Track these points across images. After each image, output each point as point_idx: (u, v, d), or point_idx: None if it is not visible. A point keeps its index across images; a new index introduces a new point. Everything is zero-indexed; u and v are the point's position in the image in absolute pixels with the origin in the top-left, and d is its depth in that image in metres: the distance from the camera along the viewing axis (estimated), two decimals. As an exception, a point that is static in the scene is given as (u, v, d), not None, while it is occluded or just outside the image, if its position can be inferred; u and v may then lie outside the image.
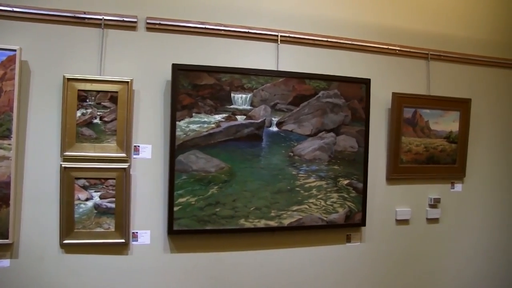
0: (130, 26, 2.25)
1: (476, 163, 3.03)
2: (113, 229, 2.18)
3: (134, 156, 2.25)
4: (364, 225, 2.64)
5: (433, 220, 2.91)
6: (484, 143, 3.07)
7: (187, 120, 2.26)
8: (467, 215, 3.02)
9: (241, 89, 2.36)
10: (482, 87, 3.07)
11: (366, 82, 2.60)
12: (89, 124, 2.14)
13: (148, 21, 2.27)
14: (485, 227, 3.09)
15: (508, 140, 3.16)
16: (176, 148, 2.24)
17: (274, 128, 2.43)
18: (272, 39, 2.50)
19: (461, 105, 2.89)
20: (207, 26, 2.37)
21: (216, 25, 2.38)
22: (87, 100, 2.13)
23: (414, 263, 2.87)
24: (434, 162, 2.84)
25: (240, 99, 2.36)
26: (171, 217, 2.25)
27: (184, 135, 2.26)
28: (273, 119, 2.43)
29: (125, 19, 2.23)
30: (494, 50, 3.11)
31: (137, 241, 2.27)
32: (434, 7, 2.94)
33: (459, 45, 2.99)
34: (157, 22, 2.28)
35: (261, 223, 2.40)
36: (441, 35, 2.94)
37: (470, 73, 3.03)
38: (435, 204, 2.88)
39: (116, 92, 2.17)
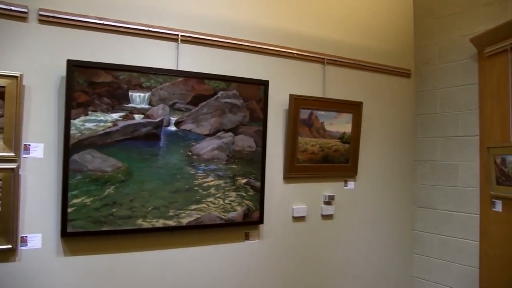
0: (20, 17, 2.20)
1: (367, 162, 3.41)
2: (-3, 234, 2.13)
3: (24, 156, 2.22)
4: (262, 222, 2.84)
5: (327, 216, 3.21)
6: (374, 144, 3.47)
7: (82, 118, 2.28)
8: (359, 210, 3.39)
9: (139, 87, 2.43)
10: (373, 91, 3.46)
11: (265, 84, 2.81)
12: (-29, 121, 2.08)
13: (41, 13, 2.24)
14: (374, 221, 3.48)
15: (395, 141, 3.61)
16: (70, 147, 2.25)
17: (173, 128, 2.53)
18: (173, 38, 2.59)
19: (354, 108, 3.21)
20: (105, 22, 2.39)
21: (115, 22, 2.42)
22: (-31, 95, 2.07)
23: (310, 258, 3.14)
24: (328, 161, 3.14)
25: (138, 98, 2.43)
26: (64, 219, 2.24)
27: (79, 134, 2.28)
28: (171, 118, 2.53)
29: (13, 8, 2.17)
30: (384, 58, 3.53)
31: (27, 245, 2.22)
32: (331, 15, 3.26)
33: (353, 51, 3.35)
34: (51, 14, 2.26)
35: (160, 223, 2.48)
36: (337, 42, 3.26)
37: (363, 78, 3.40)
38: (329, 201, 3.19)
39: (3, 87, 2.12)
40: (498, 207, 2.93)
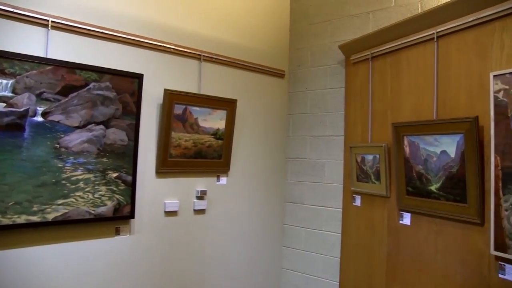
0: None
1: (240, 158, 3.66)
2: None
3: None
4: (133, 217, 2.93)
5: (200, 211, 3.40)
6: (247, 140, 3.74)
7: None
8: (231, 205, 3.63)
9: (2, 73, 2.36)
10: (248, 90, 3.73)
11: (139, 77, 2.89)
12: None
13: None
14: (246, 216, 3.75)
15: (267, 138, 3.92)
16: None
17: (39, 118, 2.50)
18: (42, 23, 2.55)
19: (228, 105, 3.43)
20: (-39, -1, 2.30)
21: (-27, 0, 2.33)
22: None
23: (183, 252, 3.29)
24: (201, 156, 3.32)
25: (0, 85, 2.37)
26: None
27: None
28: (38, 108, 2.50)
29: None
30: (260, 58, 3.82)
31: None
32: (210, 12, 3.45)
33: (230, 50, 3.57)
34: None
35: (22, 219, 2.44)
36: (215, 39, 3.46)
37: (238, 76, 3.64)
38: (201, 196, 3.37)
39: None
40: (358, 201, 3.36)
